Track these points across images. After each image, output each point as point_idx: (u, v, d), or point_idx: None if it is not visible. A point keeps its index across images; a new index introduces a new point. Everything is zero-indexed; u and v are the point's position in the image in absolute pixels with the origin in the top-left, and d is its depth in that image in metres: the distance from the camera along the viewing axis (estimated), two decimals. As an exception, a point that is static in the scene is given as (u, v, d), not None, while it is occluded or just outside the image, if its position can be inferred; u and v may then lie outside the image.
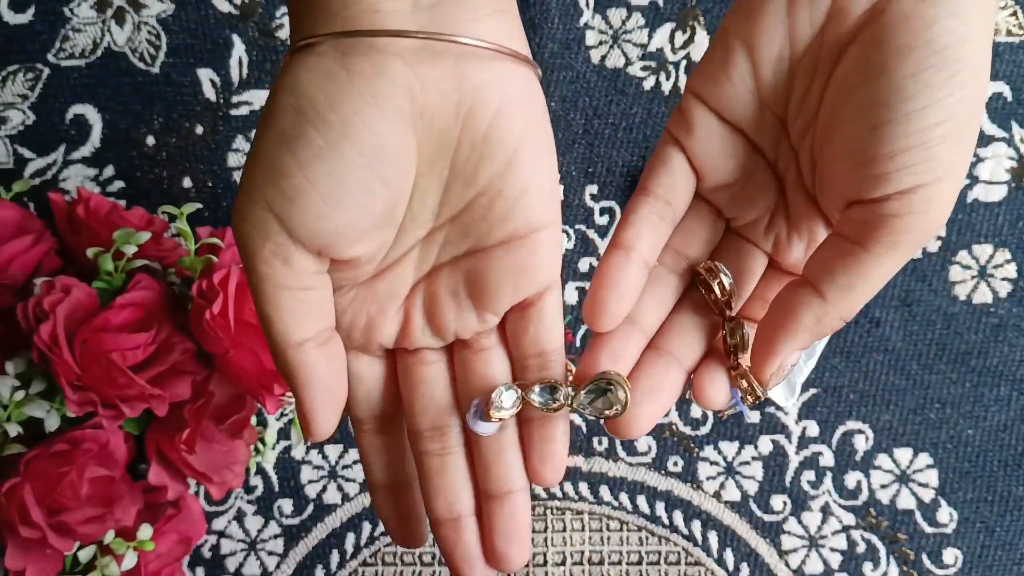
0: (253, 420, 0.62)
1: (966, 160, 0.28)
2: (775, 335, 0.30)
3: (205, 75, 0.69)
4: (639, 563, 0.67)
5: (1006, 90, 0.68)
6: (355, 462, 0.67)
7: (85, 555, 0.57)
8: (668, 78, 0.68)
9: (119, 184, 0.68)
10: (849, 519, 0.66)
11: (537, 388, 0.31)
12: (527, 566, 0.66)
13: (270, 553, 0.67)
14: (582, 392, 0.31)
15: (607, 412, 0.31)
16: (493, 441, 0.32)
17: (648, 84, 0.68)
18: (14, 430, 0.55)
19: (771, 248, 0.34)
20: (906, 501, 0.66)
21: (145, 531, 0.58)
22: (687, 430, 0.67)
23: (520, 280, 0.31)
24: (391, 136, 0.28)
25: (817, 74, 0.30)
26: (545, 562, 0.66)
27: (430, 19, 0.28)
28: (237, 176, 0.69)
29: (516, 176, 0.30)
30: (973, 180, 0.67)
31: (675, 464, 0.67)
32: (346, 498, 0.67)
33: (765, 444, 0.67)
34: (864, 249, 0.28)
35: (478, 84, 0.28)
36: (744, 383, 0.32)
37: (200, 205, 0.60)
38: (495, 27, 0.29)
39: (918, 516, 0.66)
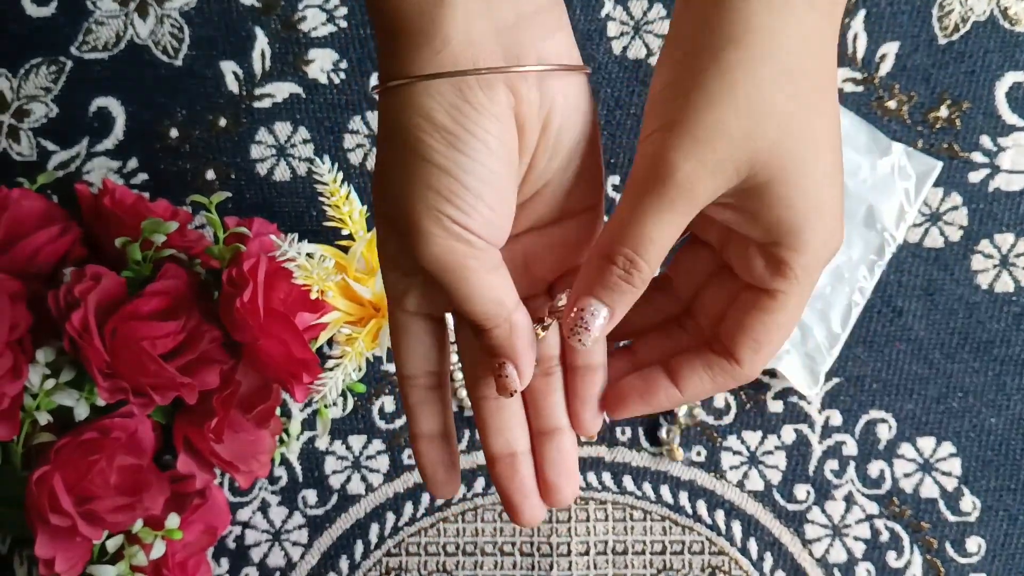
0: (277, 411, 0.62)
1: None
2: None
3: (228, 68, 0.69)
4: (662, 553, 0.67)
5: (1026, 80, 0.68)
6: (379, 453, 0.68)
7: (113, 544, 0.57)
8: (689, 69, 0.68)
9: (143, 176, 0.69)
10: (872, 508, 0.66)
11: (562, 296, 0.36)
12: (551, 555, 0.66)
13: (294, 544, 0.67)
14: (546, 322, 0.36)
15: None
16: (542, 384, 0.36)
17: (669, 75, 0.69)
18: (44, 418, 0.55)
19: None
20: (929, 490, 0.66)
21: (173, 520, 0.58)
22: (710, 419, 0.67)
23: (568, 250, 0.36)
24: (512, 143, 0.33)
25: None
26: (569, 552, 0.67)
27: (512, 41, 0.32)
28: (260, 168, 0.69)
29: (572, 169, 0.35)
30: (995, 169, 0.68)
31: (698, 454, 0.67)
32: (370, 488, 0.67)
33: (788, 433, 0.67)
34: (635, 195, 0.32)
35: (552, 99, 0.33)
36: None
37: (229, 194, 0.60)
38: (559, 43, 0.34)
39: (941, 505, 0.66)
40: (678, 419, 0.67)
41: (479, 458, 0.67)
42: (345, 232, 0.58)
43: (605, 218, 0.36)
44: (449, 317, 0.38)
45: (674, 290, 0.38)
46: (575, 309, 0.34)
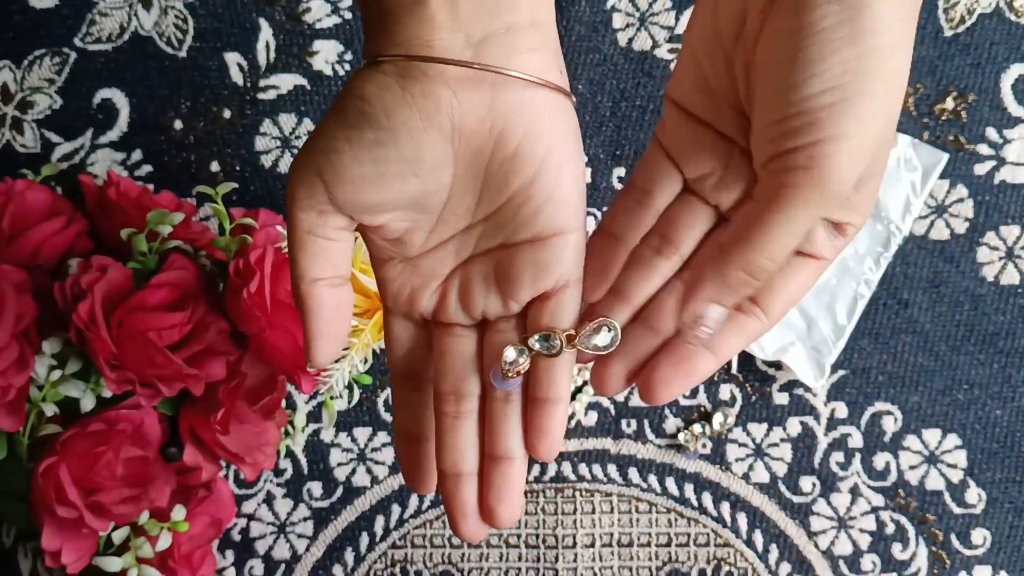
0: (283, 403, 0.62)
1: (861, 127, 0.30)
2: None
3: (232, 59, 0.69)
4: (668, 545, 0.67)
5: (1033, 71, 0.68)
6: (384, 445, 0.67)
7: (119, 536, 0.57)
8: (695, 60, 0.68)
9: (147, 168, 0.68)
10: (878, 500, 0.66)
11: (536, 336, 0.35)
12: (556, 547, 0.66)
13: (300, 536, 0.67)
14: (581, 333, 0.35)
15: (600, 345, 0.35)
16: (500, 410, 0.36)
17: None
18: (50, 410, 0.55)
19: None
20: (935, 482, 0.67)
21: (179, 512, 0.58)
22: (730, 421, 0.67)
23: (539, 274, 0.35)
24: (430, 146, 0.33)
25: (747, 56, 0.33)
26: (574, 544, 0.67)
27: (476, 54, 0.32)
28: (265, 160, 0.69)
29: (540, 187, 0.34)
30: (1000, 161, 0.68)
31: (704, 446, 0.67)
32: (375, 481, 0.67)
33: (794, 426, 0.67)
34: (783, 204, 0.31)
35: (508, 109, 0.33)
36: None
37: (236, 185, 0.60)
38: (533, 61, 0.33)
39: (947, 497, 0.66)
40: (711, 426, 0.67)
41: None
42: (351, 223, 0.58)
43: (593, 220, 0.36)
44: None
45: (672, 247, 0.37)
46: (701, 320, 0.33)
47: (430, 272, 0.37)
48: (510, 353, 0.35)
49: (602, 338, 0.35)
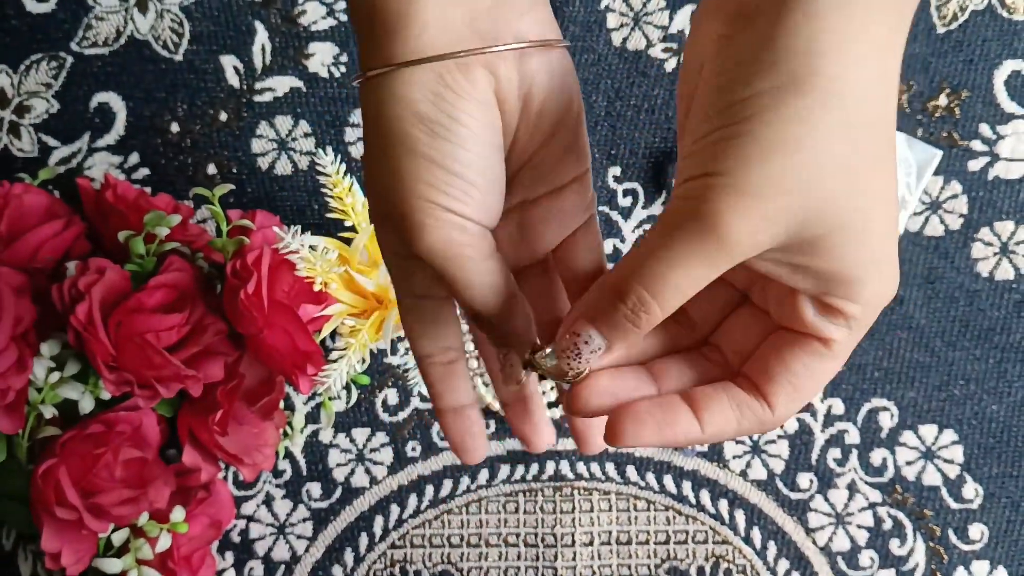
0: (281, 404, 0.63)
1: (753, 173, 0.28)
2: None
3: (228, 62, 0.69)
4: (666, 542, 0.67)
5: (1023, 67, 0.68)
6: (382, 445, 0.68)
7: (119, 537, 0.57)
8: (689, 60, 0.69)
9: (144, 171, 0.69)
10: (875, 496, 0.67)
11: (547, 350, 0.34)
12: (555, 546, 0.67)
13: (299, 537, 0.67)
14: (546, 349, 0.33)
15: (568, 373, 0.33)
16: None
17: (670, 66, 0.69)
18: (49, 412, 0.55)
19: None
20: (932, 477, 0.67)
21: (178, 513, 0.58)
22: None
23: (564, 221, 0.36)
24: (496, 124, 0.33)
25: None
26: (573, 542, 0.67)
27: (487, 24, 0.32)
28: (261, 162, 0.69)
29: (557, 142, 0.35)
30: (994, 157, 0.68)
31: (702, 444, 0.67)
32: (374, 481, 0.67)
33: (791, 422, 0.67)
34: (653, 234, 0.30)
35: (532, 76, 0.33)
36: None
37: (233, 187, 0.60)
38: (535, 19, 0.34)
39: (944, 492, 0.67)
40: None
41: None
42: (348, 224, 0.59)
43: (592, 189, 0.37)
44: None
45: (689, 321, 0.35)
46: (569, 333, 0.32)
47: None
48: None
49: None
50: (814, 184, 0.27)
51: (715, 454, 0.67)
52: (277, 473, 0.67)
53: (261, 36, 0.69)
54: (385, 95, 0.32)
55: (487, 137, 0.33)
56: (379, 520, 0.67)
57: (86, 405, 0.56)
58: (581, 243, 0.37)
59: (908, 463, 0.67)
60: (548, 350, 0.33)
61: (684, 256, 0.28)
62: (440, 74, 0.32)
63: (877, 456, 0.67)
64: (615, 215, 0.69)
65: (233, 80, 0.69)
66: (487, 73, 0.32)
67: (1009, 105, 0.68)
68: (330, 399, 0.67)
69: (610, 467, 0.67)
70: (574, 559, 0.67)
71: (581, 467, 0.67)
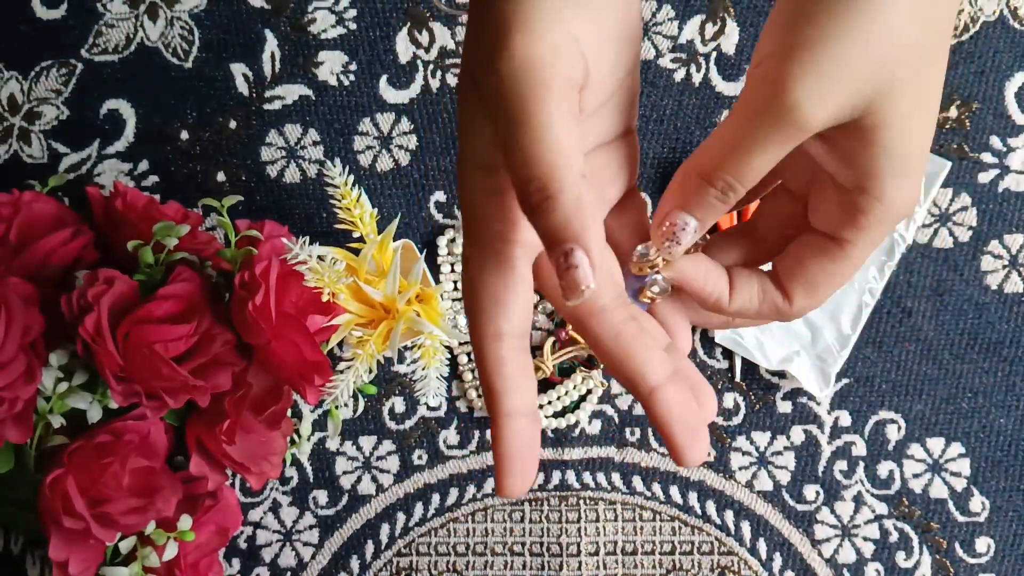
0: (288, 413, 0.63)
1: (821, 47, 0.28)
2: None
3: (238, 70, 0.69)
4: (672, 553, 0.67)
5: (1036, 80, 0.68)
6: (389, 453, 0.68)
7: (126, 546, 0.57)
8: (699, 70, 0.69)
9: (153, 179, 0.69)
10: (882, 508, 0.67)
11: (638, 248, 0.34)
12: (560, 555, 0.67)
13: (305, 544, 0.67)
14: (637, 249, 0.33)
15: (660, 263, 0.33)
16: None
17: (678, 76, 0.69)
18: (57, 421, 0.55)
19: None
20: (938, 490, 0.67)
21: (185, 522, 0.58)
22: (719, 420, 0.67)
23: (627, 170, 0.34)
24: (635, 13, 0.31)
25: None
26: (579, 552, 0.67)
27: None
28: (270, 170, 0.69)
29: (628, 85, 0.33)
30: (1004, 170, 0.68)
31: (707, 454, 0.67)
32: (380, 489, 0.67)
33: (797, 434, 0.67)
34: (732, 117, 0.30)
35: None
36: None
37: (241, 198, 0.60)
38: None
39: (951, 505, 0.66)
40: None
41: (488, 459, 0.68)
42: (356, 235, 0.59)
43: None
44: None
45: (757, 236, 0.37)
46: (667, 223, 0.32)
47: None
48: (641, 249, 0.33)
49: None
50: (882, 70, 0.28)
51: (721, 465, 0.67)
52: (284, 480, 0.68)
53: (271, 44, 0.69)
54: None
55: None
56: (385, 528, 0.67)
57: (94, 415, 0.56)
58: (631, 203, 0.34)
59: (915, 476, 0.67)
60: (639, 249, 0.33)
61: (764, 141, 0.29)
62: None
63: (884, 468, 0.67)
64: (623, 225, 0.69)
65: (242, 88, 0.69)
66: None
67: (1020, 117, 0.68)
68: (337, 407, 0.67)
69: (616, 477, 0.67)
70: (579, 569, 0.67)
71: (587, 477, 0.67)
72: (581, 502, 0.67)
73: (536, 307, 0.68)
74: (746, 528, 0.67)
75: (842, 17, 0.28)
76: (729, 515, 0.67)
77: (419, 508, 0.67)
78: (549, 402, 0.67)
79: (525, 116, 0.26)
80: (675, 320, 0.35)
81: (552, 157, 0.26)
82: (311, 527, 0.67)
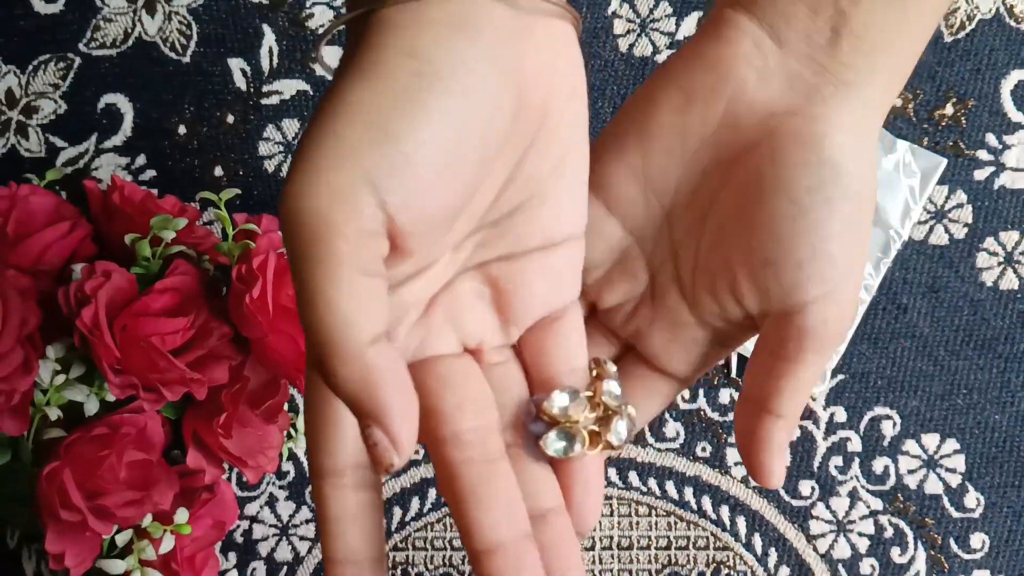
0: (285, 406, 0.63)
1: (862, 262, 0.30)
2: (767, 459, 0.31)
3: (236, 65, 0.69)
4: (668, 548, 0.67)
5: (1032, 77, 0.68)
6: (385, 448, 0.68)
7: (122, 539, 0.58)
8: (695, 66, 0.69)
9: (151, 173, 0.69)
10: (877, 504, 0.67)
11: (553, 433, 0.28)
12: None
13: (302, 538, 0.67)
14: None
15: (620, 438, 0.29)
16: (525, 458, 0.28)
17: (676, 72, 0.69)
18: (54, 414, 0.55)
19: (631, 338, 0.33)
20: (933, 486, 0.67)
21: (182, 515, 0.58)
22: (715, 416, 0.67)
23: (552, 290, 0.30)
24: (502, 120, 0.25)
25: (707, 176, 0.31)
26: (575, 547, 0.67)
27: None
28: (268, 165, 0.69)
29: (566, 178, 0.29)
30: (999, 167, 0.68)
31: (703, 449, 0.67)
32: (377, 484, 0.68)
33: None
34: (798, 363, 0.30)
35: (557, 71, 0.26)
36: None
37: (239, 191, 0.61)
38: None
39: (945, 501, 0.67)
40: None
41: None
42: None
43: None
44: None
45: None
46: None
47: (415, 300, 0.28)
48: (560, 399, 0.28)
49: (615, 387, 0.30)
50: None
51: (717, 460, 0.67)
52: (280, 474, 0.68)
53: (268, 39, 0.69)
54: (394, 28, 0.25)
55: (492, 110, 0.25)
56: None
57: (91, 407, 0.56)
58: (563, 331, 0.30)
59: (910, 472, 0.67)
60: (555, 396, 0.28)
61: (824, 361, 0.31)
62: (456, 18, 0.24)
63: (879, 464, 0.67)
64: (620, 221, 0.69)
65: (240, 83, 0.69)
66: (519, 42, 0.25)
67: (1016, 115, 0.68)
68: (334, 402, 0.67)
69: (612, 472, 0.67)
70: (575, 564, 0.67)
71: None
72: None
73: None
74: (741, 523, 0.67)
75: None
76: (725, 510, 0.67)
77: (415, 503, 0.68)
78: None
79: (298, 276, 0.23)
80: (587, 479, 0.29)
81: (327, 325, 0.22)
82: (308, 521, 0.68)
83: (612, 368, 0.31)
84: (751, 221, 0.29)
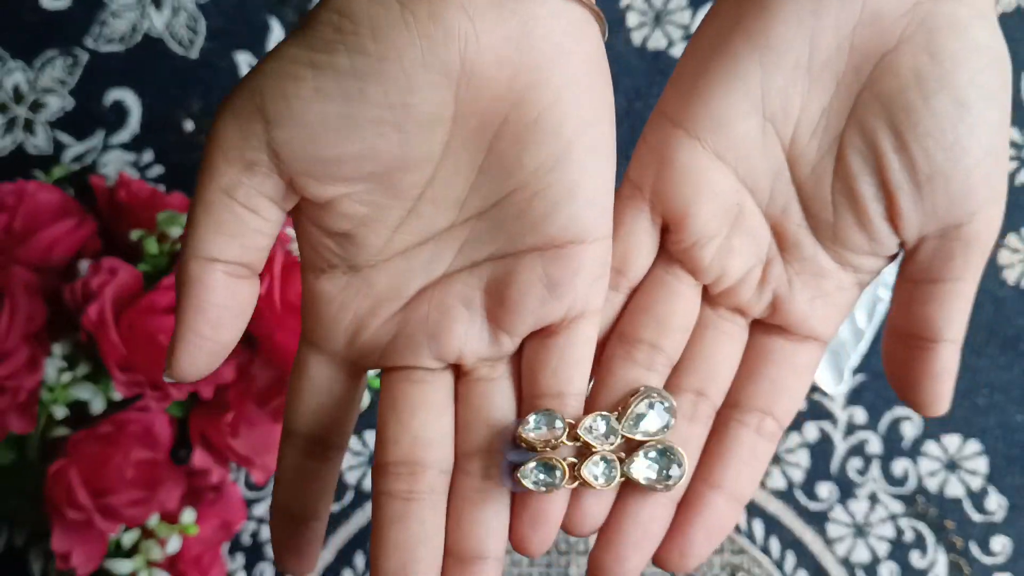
0: (293, 405, 0.62)
1: (1007, 146, 0.28)
2: (941, 388, 0.30)
3: (243, 59, 0.69)
4: (682, 551, 0.66)
5: (1055, 71, 0.67)
6: (395, 448, 0.67)
7: (129, 539, 0.57)
8: (711, 60, 0.68)
9: (158, 169, 0.68)
10: (896, 507, 0.65)
11: (532, 465, 0.26)
12: (568, 553, 0.66)
13: (310, 539, 0.67)
14: (640, 453, 0.26)
15: (665, 482, 0.26)
16: (476, 491, 0.27)
17: (690, 66, 0.68)
18: (60, 412, 0.55)
19: (766, 308, 0.30)
20: (954, 488, 0.65)
21: (188, 515, 0.58)
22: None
23: (549, 297, 0.26)
24: (427, 91, 0.24)
25: (841, 88, 0.27)
26: (587, 550, 0.66)
27: None
28: (276, 160, 0.68)
29: (565, 174, 0.26)
30: (1022, 162, 0.66)
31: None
32: (386, 484, 0.67)
33: (811, 431, 0.66)
34: (965, 280, 0.28)
35: (543, 55, 0.25)
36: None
37: (246, 186, 0.60)
38: None
39: (966, 504, 0.65)
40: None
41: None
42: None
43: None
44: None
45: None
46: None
47: (387, 291, 0.27)
48: (534, 423, 0.26)
49: (653, 420, 0.26)
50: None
51: (733, 461, 0.66)
52: (289, 475, 0.67)
53: (276, 33, 0.69)
54: None
55: (405, 92, 0.24)
56: (391, 524, 0.67)
57: (97, 405, 0.55)
58: (560, 348, 0.27)
59: (931, 474, 0.66)
60: (532, 418, 0.26)
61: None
62: None
63: (899, 466, 0.66)
64: (633, 217, 0.68)
65: (248, 78, 0.69)
66: (467, 23, 0.24)
67: (1038, 109, 0.67)
68: (343, 401, 0.66)
69: (626, 473, 0.66)
70: (588, 566, 0.66)
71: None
72: (590, 498, 0.66)
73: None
74: (758, 527, 0.66)
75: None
76: (741, 513, 0.66)
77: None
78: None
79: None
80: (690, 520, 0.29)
81: (188, 224, 0.26)
82: (316, 522, 0.67)
83: (665, 403, 0.26)
84: (909, 132, 0.26)
